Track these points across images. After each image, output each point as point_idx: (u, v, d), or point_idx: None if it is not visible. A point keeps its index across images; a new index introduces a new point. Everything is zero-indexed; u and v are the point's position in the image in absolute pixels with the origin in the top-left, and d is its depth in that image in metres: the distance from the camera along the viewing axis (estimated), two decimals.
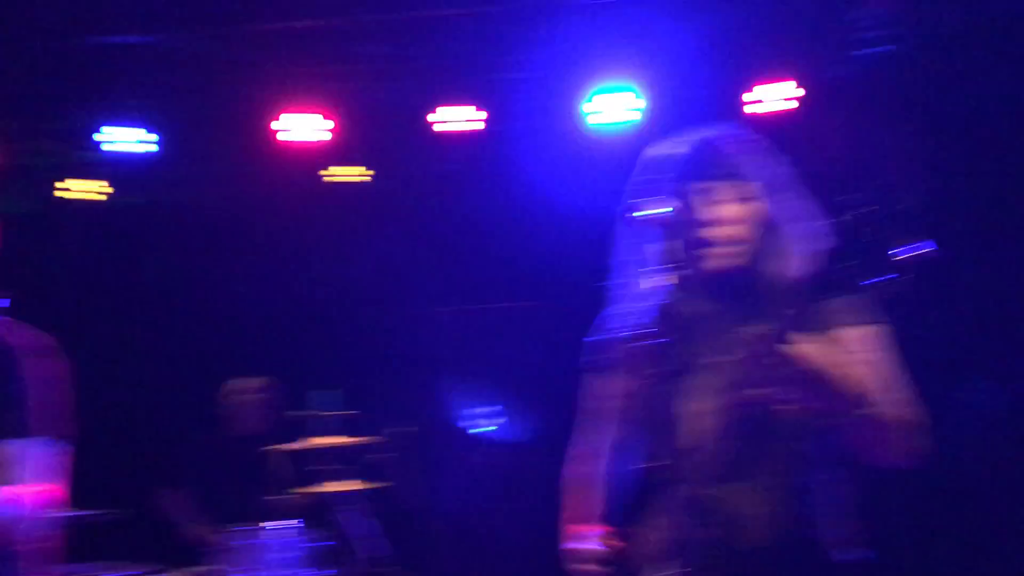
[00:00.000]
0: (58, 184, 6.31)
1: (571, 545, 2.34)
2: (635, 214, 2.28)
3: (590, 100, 5.76)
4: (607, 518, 2.35)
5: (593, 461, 2.43)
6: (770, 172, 2.23)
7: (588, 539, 2.32)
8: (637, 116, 5.74)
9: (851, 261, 1.73)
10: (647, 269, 2.28)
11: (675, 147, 2.28)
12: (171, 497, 5.32)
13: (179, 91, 5.75)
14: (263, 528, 4.87)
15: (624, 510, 2.32)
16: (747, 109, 5.82)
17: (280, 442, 5.13)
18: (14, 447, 2.16)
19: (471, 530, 6.26)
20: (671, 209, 2.21)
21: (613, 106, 5.74)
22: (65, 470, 2.25)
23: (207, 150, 6.19)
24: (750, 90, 5.81)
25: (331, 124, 6.00)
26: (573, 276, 5.61)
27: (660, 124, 5.59)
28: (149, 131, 6.00)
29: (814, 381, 1.97)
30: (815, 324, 2.07)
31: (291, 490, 5.10)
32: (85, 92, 5.69)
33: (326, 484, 4.98)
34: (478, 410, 6.60)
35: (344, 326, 6.69)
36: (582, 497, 2.41)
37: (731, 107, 5.87)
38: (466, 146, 6.10)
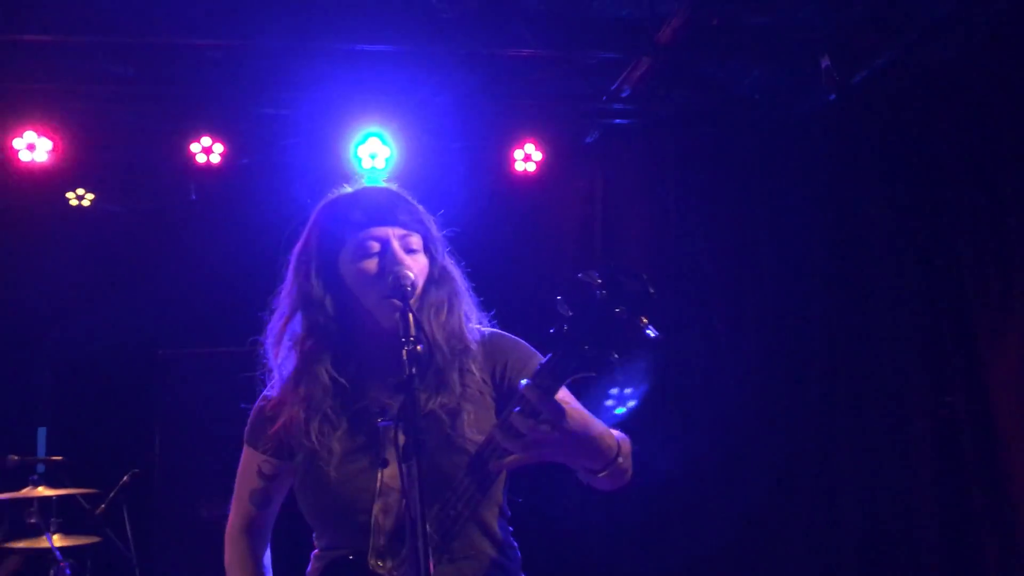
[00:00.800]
0: None
1: None
2: (311, 259, 2.17)
3: (363, 142, 5.73)
4: None
5: (251, 545, 2.29)
6: (434, 228, 2.22)
7: None
8: (383, 165, 5.78)
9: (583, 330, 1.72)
10: (303, 322, 2.16)
11: (356, 191, 2.21)
12: None
13: None
14: None
15: None
16: (501, 167, 6.05)
17: None
18: None
19: None
20: (359, 254, 2.11)
21: (379, 151, 5.75)
22: None
23: None
24: (504, 150, 6.03)
25: (51, 145, 5.58)
26: None
27: (410, 173, 5.67)
28: None
29: (572, 435, 1.87)
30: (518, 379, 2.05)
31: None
32: None
33: (37, 539, 4.58)
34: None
35: (69, 362, 6.18)
36: None
37: (479, 163, 6.07)
38: (215, 179, 5.87)
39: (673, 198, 6.24)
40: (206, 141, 5.72)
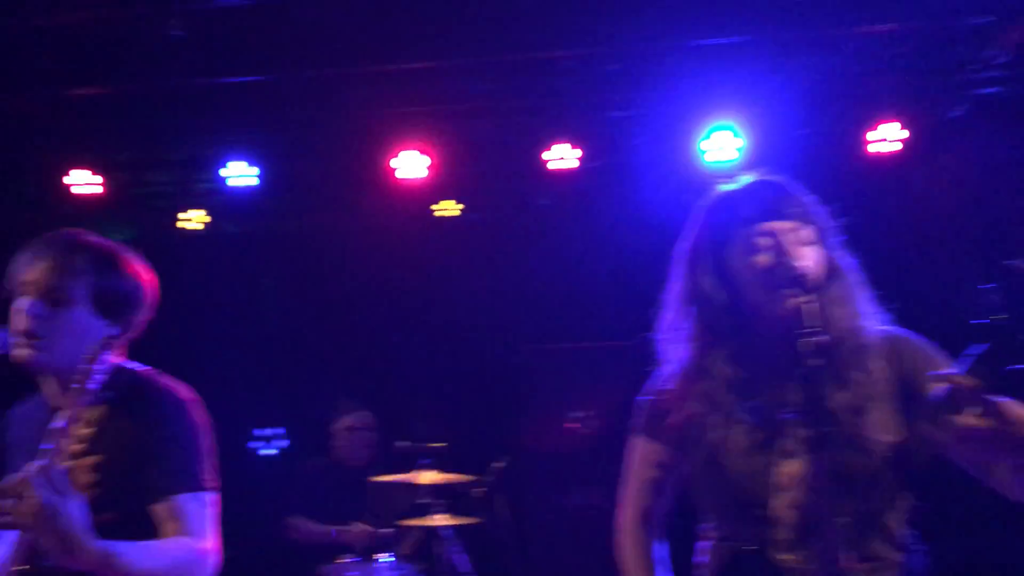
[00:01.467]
0: (180, 215, 6.53)
1: None
2: (701, 255, 2.17)
3: (707, 137, 5.74)
4: None
5: (646, 535, 2.30)
6: (826, 217, 2.14)
7: None
8: (737, 156, 5.71)
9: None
10: (696, 318, 2.16)
11: (743, 187, 2.18)
12: (297, 524, 5.46)
13: (292, 126, 5.89)
14: (362, 561, 4.98)
15: None
16: (853, 151, 5.77)
17: (383, 473, 5.19)
18: (177, 502, 2.16)
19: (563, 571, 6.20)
20: (749, 249, 2.09)
21: (723, 145, 5.71)
22: (216, 521, 2.23)
23: (320, 184, 6.36)
24: (857, 132, 5.75)
25: (429, 161, 6.05)
26: None
27: (764, 164, 5.55)
28: (253, 164, 6.16)
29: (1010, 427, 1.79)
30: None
31: (393, 522, 5.19)
32: (207, 126, 5.87)
33: (426, 518, 5.03)
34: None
35: (443, 359, 6.75)
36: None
37: (836, 149, 5.82)
38: (569, 183, 6.13)
39: None
40: (560, 147, 5.97)
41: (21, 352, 2.21)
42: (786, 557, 2.02)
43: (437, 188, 6.31)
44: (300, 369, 6.72)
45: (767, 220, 2.09)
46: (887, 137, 5.72)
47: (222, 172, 6.16)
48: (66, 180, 6.12)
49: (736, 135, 5.68)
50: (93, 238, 2.34)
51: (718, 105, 5.67)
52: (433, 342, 6.82)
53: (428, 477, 5.01)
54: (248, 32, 4.94)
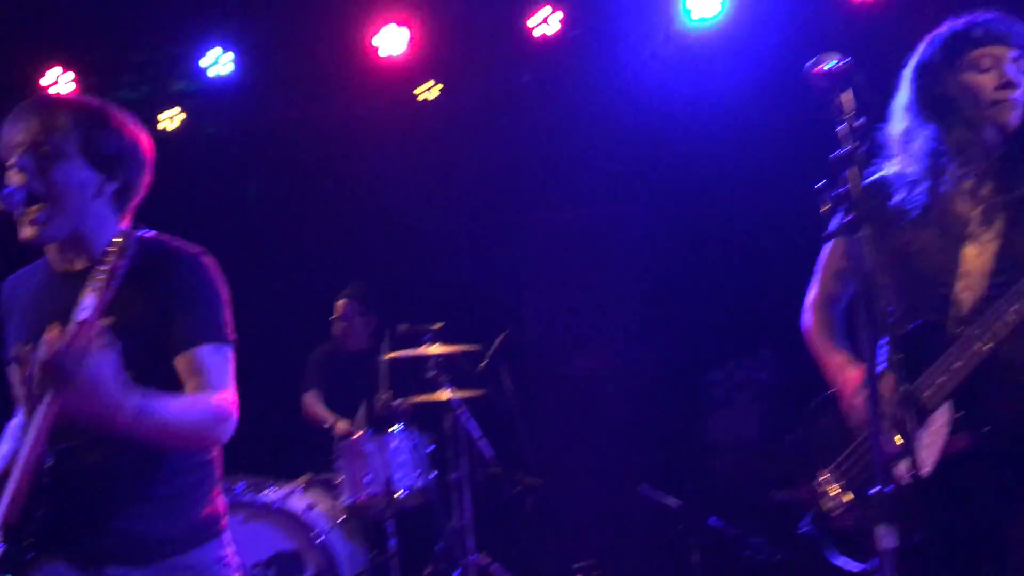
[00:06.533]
0: (160, 116, 6.26)
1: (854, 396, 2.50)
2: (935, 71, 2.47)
3: None
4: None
5: (828, 312, 2.66)
6: None
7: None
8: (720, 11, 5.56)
9: None
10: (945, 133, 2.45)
11: (975, 15, 2.49)
12: (311, 400, 5.74)
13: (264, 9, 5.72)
14: (375, 434, 5.15)
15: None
16: None
17: (383, 353, 5.30)
18: (199, 354, 2.18)
19: (567, 436, 6.35)
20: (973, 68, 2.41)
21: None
22: (234, 375, 2.27)
23: (293, 72, 6.20)
24: None
25: (408, 35, 5.91)
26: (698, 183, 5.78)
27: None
28: (228, 50, 5.98)
29: None
30: None
31: (399, 399, 5.31)
32: (176, 19, 5.71)
33: (430, 393, 5.15)
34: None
35: (435, 249, 6.71)
36: (832, 345, 2.63)
37: None
38: (550, 52, 5.97)
39: None
40: (539, 13, 5.79)
41: (26, 232, 2.20)
42: (959, 331, 2.34)
43: (417, 68, 6.10)
44: (294, 261, 6.67)
45: (993, 44, 2.42)
46: None
47: (201, 63, 5.99)
48: (42, 81, 5.90)
49: None
50: (77, 97, 2.29)
51: None
52: (427, 226, 6.74)
53: (434, 349, 5.12)
54: None
